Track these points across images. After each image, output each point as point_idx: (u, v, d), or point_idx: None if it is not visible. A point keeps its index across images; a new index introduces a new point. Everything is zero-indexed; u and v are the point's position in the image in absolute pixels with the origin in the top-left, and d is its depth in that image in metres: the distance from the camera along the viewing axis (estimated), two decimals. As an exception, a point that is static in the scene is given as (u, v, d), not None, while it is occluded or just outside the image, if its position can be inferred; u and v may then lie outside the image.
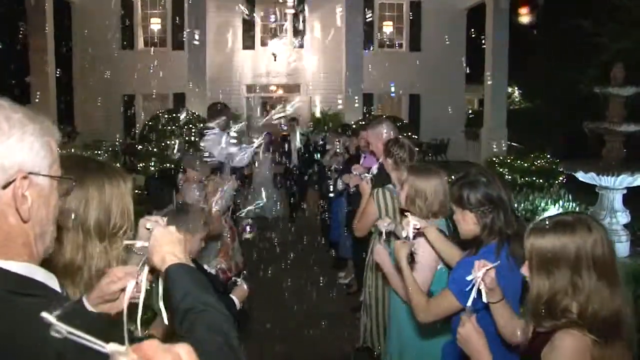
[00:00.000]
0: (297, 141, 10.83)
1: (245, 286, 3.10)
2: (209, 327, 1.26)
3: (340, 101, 18.25)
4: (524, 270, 1.98)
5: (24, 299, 1.12)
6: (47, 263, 1.44)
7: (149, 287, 1.54)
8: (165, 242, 1.49)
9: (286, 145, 11.15)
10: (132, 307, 1.55)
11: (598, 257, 1.85)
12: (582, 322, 1.82)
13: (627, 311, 1.87)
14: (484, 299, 2.14)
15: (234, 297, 3.01)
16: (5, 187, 1.15)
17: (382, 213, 3.93)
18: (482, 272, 2.09)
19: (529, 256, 1.94)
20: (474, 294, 2.10)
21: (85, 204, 1.55)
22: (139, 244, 1.56)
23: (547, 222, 1.95)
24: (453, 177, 3.06)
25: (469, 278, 2.12)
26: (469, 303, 2.10)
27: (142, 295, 1.52)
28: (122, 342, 0.98)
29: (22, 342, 1.07)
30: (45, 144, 1.22)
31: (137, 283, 1.51)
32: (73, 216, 1.56)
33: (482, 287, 2.11)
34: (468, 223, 2.59)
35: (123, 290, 1.51)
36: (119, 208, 1.69)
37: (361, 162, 6.01)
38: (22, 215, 1.18)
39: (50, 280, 1.26)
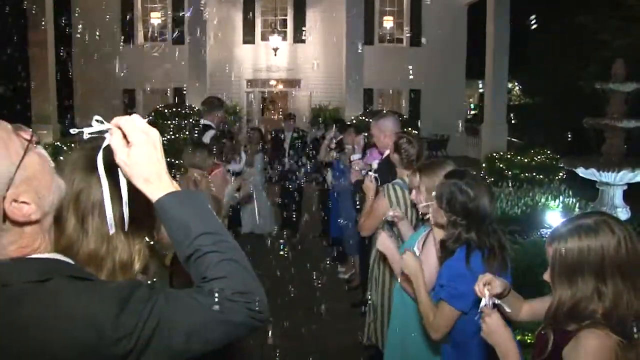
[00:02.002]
0: (288, 140, 9.53)
1: None
2: (220, 271, 1.19)
3: (340, 96, 18.25)
4: (546, 277, 1.94)
5: (50, 282, 1.12)
6: (70, 251, 1.44)
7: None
8: (154, 158, 1.23)
9: (280, 145, 9.70)
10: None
11: (622, 259, 1.80)
12: (607, 323, 1.77)
13: None
14: (507, 308, 2.10)
15: None
16: (5, 220, 1.13)
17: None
18: (488, 294, 2.03)
19: (552, 262, 1.89)
20: (490, 305, 2.04)
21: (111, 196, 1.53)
22: (90, 128, 1.22)
23: (568, 227, 1.90)
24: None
25: (481, 309, 2.05)
26: (490, 305, 2.05)
27: (104, 186, 1.29)
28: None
29: (56, 323, 1.07)
30: None
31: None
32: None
33: (498, 302, 2.05)
34: (439, 219, 2.63)
35: None
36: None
37: (366, 157, 5.93)
38: (33, 221, 1.17)
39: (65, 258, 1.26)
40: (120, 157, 1.22)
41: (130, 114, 1.27)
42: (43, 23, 15.30)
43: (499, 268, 2.43)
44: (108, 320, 1.07)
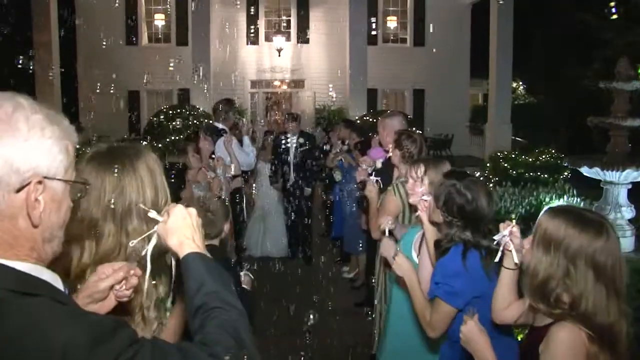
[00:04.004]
0: (292, 150, 7.77)
1: (250, 275, 3.20)
2: (219, 326, 1.22)
3: (344, 96, 18.25)
4: (526, 242, 2.01)
5: (33, 299, 1.10)
6: (111, 254, 1.55)
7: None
8: (185, 224, 1.40)
9: (283, 153, 7.86)
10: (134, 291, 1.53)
11: (598, 262, 1.84)
12: (576, 315, 1.82)
13: (623, 329, 1.84)
14: (511, 262, 2.13)
15: (246, 287, 3.11)
16: (18, 190, 1.13)
17: (405, 207, 3.83)
18: (508, 230, 2.09)
19: (535, 230, 1.96)
20: (499, 254, 2.12)
21: (141, 185, 1.63)
22: (152, 213, 1.46)
23: (565, 209, 1.97)
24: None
25: (496, 237, 2.12)
26: (473, 311, 2.09)
27: (147, 271, 1.47)
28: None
29: (29, 343, 1.05)
30: (63, 147, 1.19)
31: (126, 277, 1.46)
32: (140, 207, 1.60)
33: (511, 247, 2.10)
34: (434, 217, 2.67)
35: (112, 287, 1.46)
36: (162, 182, 1.73)
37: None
38: (32, 220, 1.16)
39: (55, 280, 1.23)
40: (159, 229, 1.43)
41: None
42: (48, 25, 15.37)
43: (495, 269, 2.43)
44: (78, 354, 1.05)
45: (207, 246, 1.43)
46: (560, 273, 1.86)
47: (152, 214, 1.45)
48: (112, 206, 1.56)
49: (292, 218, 7.84)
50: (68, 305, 1.14)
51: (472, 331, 2.03)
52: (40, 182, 1.14)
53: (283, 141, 7.86)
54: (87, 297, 1.45)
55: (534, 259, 1.92)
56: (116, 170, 1.61)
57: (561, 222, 1.89)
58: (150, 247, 1.47)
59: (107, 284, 1.45)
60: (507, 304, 2.23)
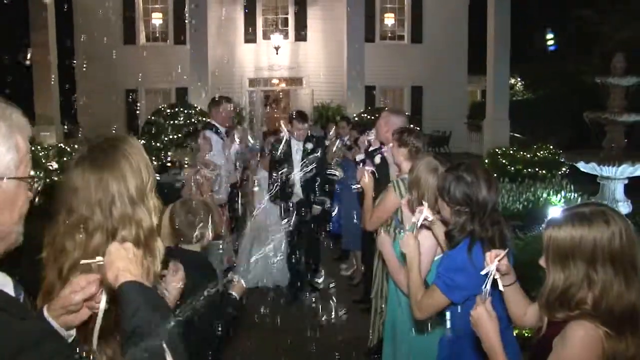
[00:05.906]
0: (298, 159, 6.16)
1: (242, 282, 3.17)
2: (146, 352, 1.21)
3: (342, 94, 18.26)
4: (542, 262, 1.98)
5: None
6: (99, 251, 1.52)
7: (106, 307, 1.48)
8: (119, 257, 1.39)
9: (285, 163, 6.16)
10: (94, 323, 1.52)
11: (615, 250, 1.83)
12: (595, 313, 1.81)
13: None
14: (500, 287, 2.14)
15: (234, 293, 3.08)
16: None
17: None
18: (495, 265, 2.09)
19: (546, 248, 1.94)
20: (488, 286, 2.08)
21: (123, 179, 1.62)
22: (98, 258, 1.47)
23: (564, 214, 1.95)
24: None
25: (483, 272, 2.10)
26: (486, 295, 2.08)
27: (100, 314, 1.47)
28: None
29: None
30: (12, 145, 1.17)
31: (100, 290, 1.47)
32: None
33: (497, 276, 2.10)
34: (444, 213, 2.64)
35: (86, 300, 1.46)
36: (146, 166, 1.71)
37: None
38: None
39: (6, 286, 1.21)
40: (101, 271, 1.41)
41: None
42: (45, 24, 15.36)
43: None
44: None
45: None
46: (581, 277, 1.86)
47: (98, 258, 1.46)
48: (99, 202, 1.57)
49: (295, 246, 6.28)
50: (2, 311, 1.12)
51: (482, 315, 2.02)
52: None
53: (285, 147, 6.17)
54: (60, 308, 1.45)
55: (552, 277, 1.91)
56: (98, 169, 1.62)
57: (567, 228, 1.89)
58: (102, 304, 1.46)
59: (79, 298, 1.44)
60: (524, 310, 2.28)
